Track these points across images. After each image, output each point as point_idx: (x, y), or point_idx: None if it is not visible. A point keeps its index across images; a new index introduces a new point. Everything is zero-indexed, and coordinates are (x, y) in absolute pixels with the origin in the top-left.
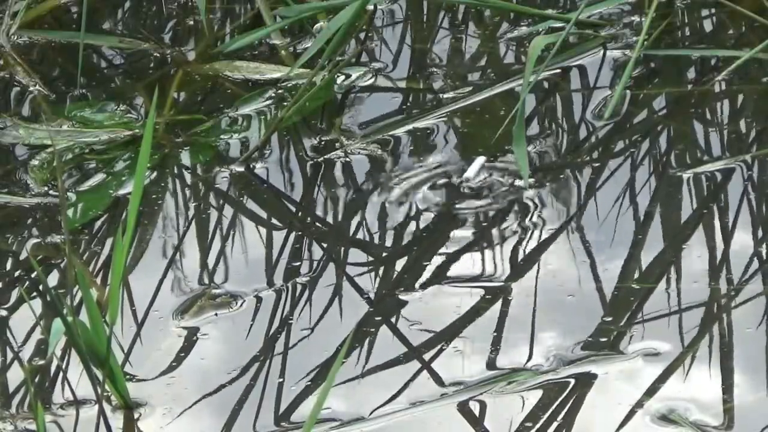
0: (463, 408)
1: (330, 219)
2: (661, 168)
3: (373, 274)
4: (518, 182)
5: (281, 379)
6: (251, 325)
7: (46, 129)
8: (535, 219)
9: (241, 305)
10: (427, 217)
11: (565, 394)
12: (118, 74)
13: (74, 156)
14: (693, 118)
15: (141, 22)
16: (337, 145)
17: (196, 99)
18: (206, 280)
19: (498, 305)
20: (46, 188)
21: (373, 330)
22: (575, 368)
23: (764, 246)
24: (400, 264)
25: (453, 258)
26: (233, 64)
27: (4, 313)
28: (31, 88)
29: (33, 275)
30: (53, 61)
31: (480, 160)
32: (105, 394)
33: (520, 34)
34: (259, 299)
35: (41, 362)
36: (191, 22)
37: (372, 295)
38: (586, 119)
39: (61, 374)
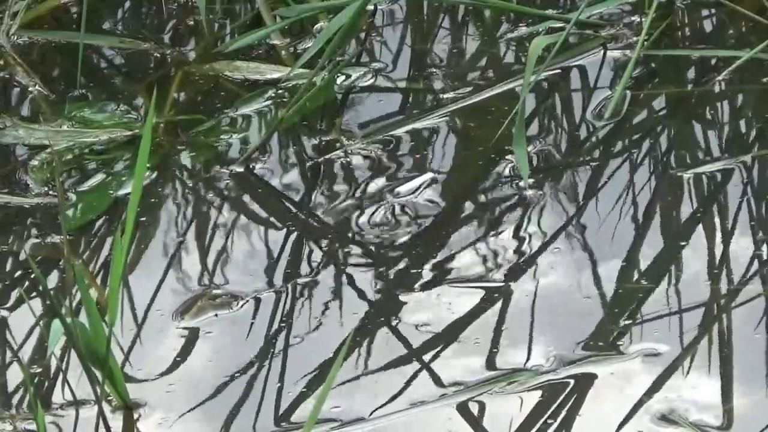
0: (463, 408)
1: (330, 219)
2: (661, 168)
3: (373, 274)
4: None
5: (281, 380)
6: (251, 325)
7: (45, 129)
8: (535, 219)
9: (242, 306)
10: (427, 217)
11: (565, 394)
12: (118, 74)
13: (74, 156)
14: (693, 118)
15: (141, 22)
16: (338, 145)
17: (196, 99)
18: (206, 281)
19: (498, 305)
20: (46, 188)
21: (372, 330)
22: (575, 368)
23: (764, 247)
24: (400, 264)
25: (453, 258)
26: (233, 64)
27: (4, 313)
28: (31, 89)
29: (33, 275)
30: (53, 61)
31: (423, 177)
32: (105, 395)
33: (520, 34)
34: (259, 299)
35: (41, 362)
36: (191, 22)
37: (372, 295)
38: (586, 119)
39: (60, 374)
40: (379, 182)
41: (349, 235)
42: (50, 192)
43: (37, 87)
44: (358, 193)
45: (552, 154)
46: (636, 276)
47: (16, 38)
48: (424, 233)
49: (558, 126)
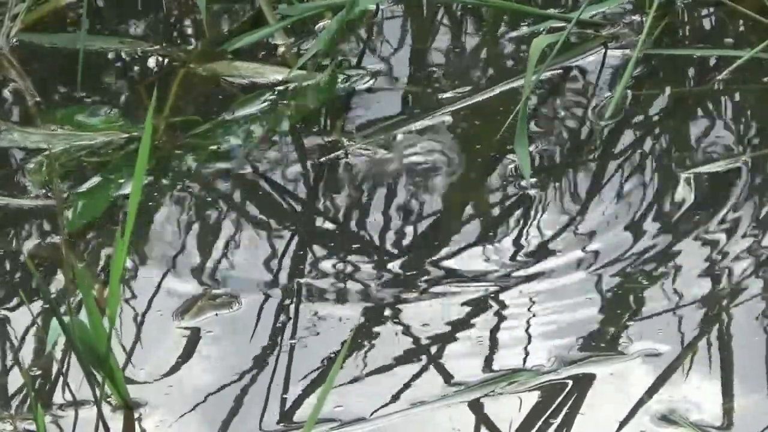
0: (464, 408)
1: (331, 219)
2: (661, 168)
3: (373, 273)
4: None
5: (282, 380)
6: (252, 325)
7: (41, 132)
8: (535, 219)
9: (242, 306)
10: (427, 217)
11: (565, 394)
12: (117, 75)
13: (71, 159)
14: (693, 117)
15: (141, 23)
16: (339, 145)
17: (196, 100)
18: (206, 281)
19: (498, 305)
20: (44, 191)
21: (373, 330)
22: (575, 368)
23: (764, 246)
24: (401, 264)
25: (453, 258)
26: (234, 65)
27: (3, 313)
28: (28, 92)
29: (33, 277)
30: (53, 64)
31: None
32: (105, 395)
33: (521, 34)
34: (259, 299)
35: (41, 362)
36: (191, 23)
37: (372, 295)
38: (587, 118)
39: (60, 375)
40: (380, 182)
41: (350, 235)
42: (48, 194)
43: (34, 90)
44: (358, 193)
45: (553, 153)
46: (636, 276)
47: (15, 41)
48: (424, 233)
49: (559, 125)
